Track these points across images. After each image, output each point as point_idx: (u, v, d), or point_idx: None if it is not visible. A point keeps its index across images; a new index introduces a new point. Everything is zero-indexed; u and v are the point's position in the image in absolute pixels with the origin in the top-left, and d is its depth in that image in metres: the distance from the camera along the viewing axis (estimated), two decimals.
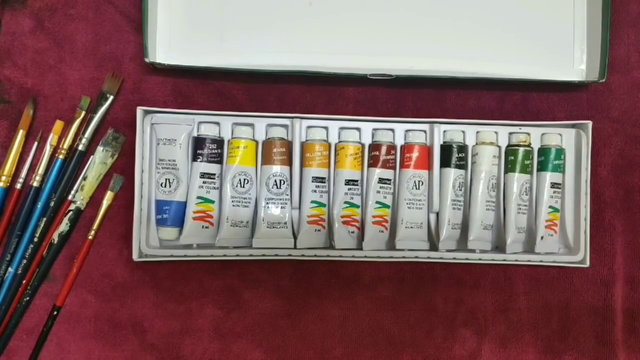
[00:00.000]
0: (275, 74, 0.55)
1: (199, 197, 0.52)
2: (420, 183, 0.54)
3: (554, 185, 0.54)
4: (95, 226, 0.54)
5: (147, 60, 0.52)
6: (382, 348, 0.56)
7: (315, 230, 0.53)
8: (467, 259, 0.54)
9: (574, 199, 0.55)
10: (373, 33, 0.55)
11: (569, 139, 0.55)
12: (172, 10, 0.55)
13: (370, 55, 0.55)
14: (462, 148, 0.54)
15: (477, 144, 0.55)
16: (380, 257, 0.53)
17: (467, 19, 0.55)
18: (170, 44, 0.55)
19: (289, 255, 0.53)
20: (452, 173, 0.53)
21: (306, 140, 0.54)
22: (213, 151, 0.53)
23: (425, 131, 0.55)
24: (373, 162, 0.54)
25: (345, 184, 0.53)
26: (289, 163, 0.53)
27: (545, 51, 0.56)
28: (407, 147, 0.54)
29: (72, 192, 0.54)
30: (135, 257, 0.52)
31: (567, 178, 0.55)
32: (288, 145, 0.54)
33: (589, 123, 0.54)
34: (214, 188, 0.53)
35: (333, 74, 0.53)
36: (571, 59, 0.56)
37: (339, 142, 0.54)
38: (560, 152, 0.54)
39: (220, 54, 0.55)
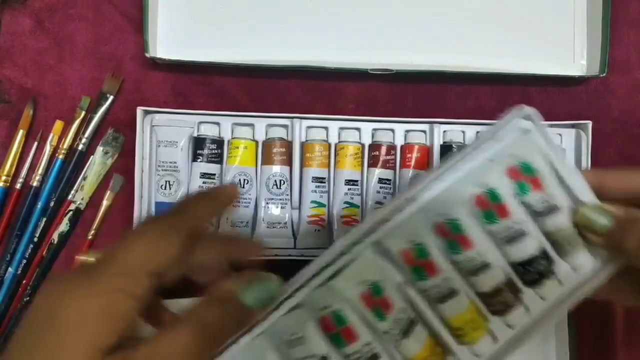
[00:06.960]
0: (275, 69, 0.54)
1: None
2: None
3: None
4: (95, 226, 0.54)
5: (147, 55, 0.52)
6: None
7: (315, 230, 0.53)
8: None
9: None
10: (373, 28, 0.55)
11: (569, 139, 0.55)
12: (172, 5, 0.55)
13: (371, 50, 0.55)
14: (462, 148, 0.54)
15: None
16: None
17: (468, 14, 0.55)
18: (170, 39, 0.54)
19: (289, 255, 0.53)
20: None
21: (306, 141, 0.54)
22: (213, 151, 0.53)
23: (425, 131, 0.55)
24: (373, 162, 0.54)
25: (345, 184, 0.53)
26: (289, 163, 0.53)
27: (546, 46, 0.56)
28: (407, 147, 0.54)
29: (72, 192, 0.54)
30: None
31: None
32: (288, 145, 0.53)
33: (589, 123, 0.54)
34: None
35: (334, 68, 0.53)
36: (571, 53, 0.56)
37: (339, 142, 0.54)
38: None
39: (221, 49, 0.54)
